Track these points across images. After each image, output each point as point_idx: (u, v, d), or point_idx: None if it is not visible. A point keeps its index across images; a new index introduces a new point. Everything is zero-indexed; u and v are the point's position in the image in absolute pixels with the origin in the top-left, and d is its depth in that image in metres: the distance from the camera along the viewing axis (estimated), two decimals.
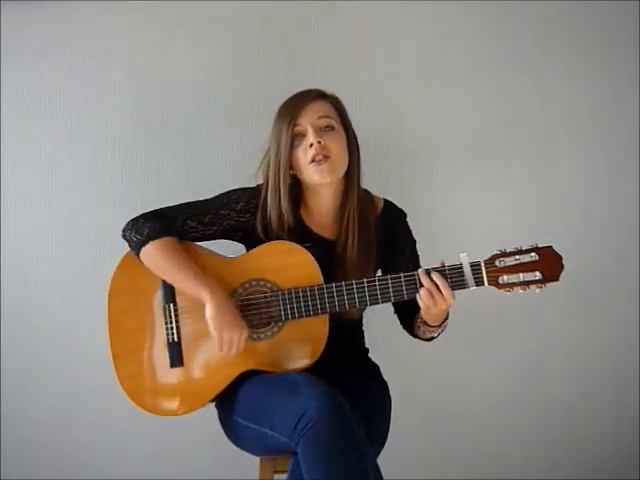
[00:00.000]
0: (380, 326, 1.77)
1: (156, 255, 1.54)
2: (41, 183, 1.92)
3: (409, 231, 1.71)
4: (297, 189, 1.63)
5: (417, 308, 1.55)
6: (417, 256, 1.71)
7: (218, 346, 1.51)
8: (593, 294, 2.08)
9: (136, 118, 1.92)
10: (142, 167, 1.94)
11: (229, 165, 1.93)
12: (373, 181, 1.71)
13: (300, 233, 1.61)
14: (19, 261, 1.92)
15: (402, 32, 1.99)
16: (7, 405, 1.93)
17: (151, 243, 1.54)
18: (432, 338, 1.66)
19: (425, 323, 1.58)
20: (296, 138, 1.57)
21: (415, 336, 1.70)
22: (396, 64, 1.99)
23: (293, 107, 1.58)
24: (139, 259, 1.56)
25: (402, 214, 1.71)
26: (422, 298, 1.49)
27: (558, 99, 2.04)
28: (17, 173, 1.91)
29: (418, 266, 1.63)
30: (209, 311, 1.50)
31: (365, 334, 1.74)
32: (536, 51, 2.03)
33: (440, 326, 1.59)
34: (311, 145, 1.55)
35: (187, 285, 1.53)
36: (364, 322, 1.73)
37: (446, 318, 1.59)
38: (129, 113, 1.93)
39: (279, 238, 1.59)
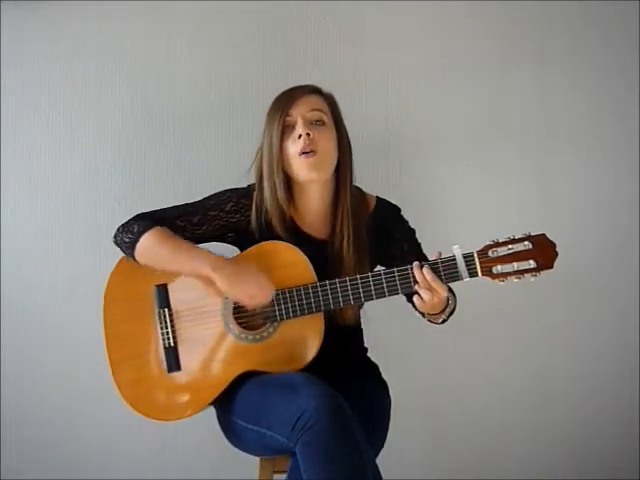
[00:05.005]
0: (380, 326, 1.77)
1: (151, 246, 1.53)
2: (41, 183, 1.92)
3: (405, 224, 1.69)
4: (287, 188, 1.59)
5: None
6: (417, 245, 1.68)
7: (249, 307, 1.53)
8: (593, 290, 2.08)
9: (136, 118, 1.92)
10: (142, 167, 1.94)
11: (229, 165, 1.93)
12: (373, 177, 1.71)
13: (290, 232, 1.60)
14: (19, 261, 1.92)
15: (402, 32, 1.99)
16: (7, 405, 1.93)
17: (144, 236, 1.53)
18: (443, 321, 1.61)
19: (423, 313, 1.57)
20: (286, 130, 1.56)
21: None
22: (396, 63, 1.99)
23: (286, 99, 1.58)
24: (135, 259, 1.55)
25: (396, 210, 1.69)
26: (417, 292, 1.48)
27: (558, 98, 2.05)
28: (17, 173, 1.91)
29: (420, 255, 1.62)
30: (220, 286, 1.50)
31: (364, 333, 1.74)
32: (536, 51, 2.03)
33: (443, 312, 1.56)
34: (299, 136, 1.54)
35: (187, 267, 1.53)
36: (362, 321, 1.72)
37: (447, 305, 1.55)
38: (129, 113, 1.93)
39: (275, 237, 1.58)
